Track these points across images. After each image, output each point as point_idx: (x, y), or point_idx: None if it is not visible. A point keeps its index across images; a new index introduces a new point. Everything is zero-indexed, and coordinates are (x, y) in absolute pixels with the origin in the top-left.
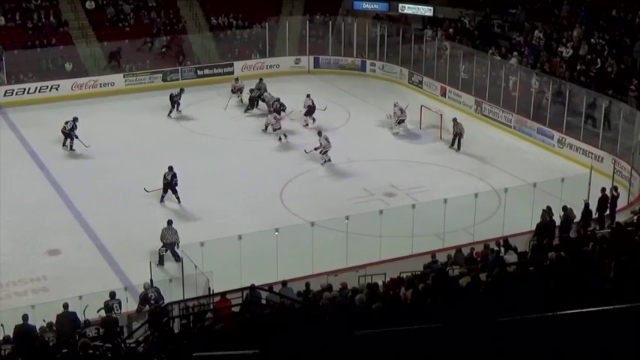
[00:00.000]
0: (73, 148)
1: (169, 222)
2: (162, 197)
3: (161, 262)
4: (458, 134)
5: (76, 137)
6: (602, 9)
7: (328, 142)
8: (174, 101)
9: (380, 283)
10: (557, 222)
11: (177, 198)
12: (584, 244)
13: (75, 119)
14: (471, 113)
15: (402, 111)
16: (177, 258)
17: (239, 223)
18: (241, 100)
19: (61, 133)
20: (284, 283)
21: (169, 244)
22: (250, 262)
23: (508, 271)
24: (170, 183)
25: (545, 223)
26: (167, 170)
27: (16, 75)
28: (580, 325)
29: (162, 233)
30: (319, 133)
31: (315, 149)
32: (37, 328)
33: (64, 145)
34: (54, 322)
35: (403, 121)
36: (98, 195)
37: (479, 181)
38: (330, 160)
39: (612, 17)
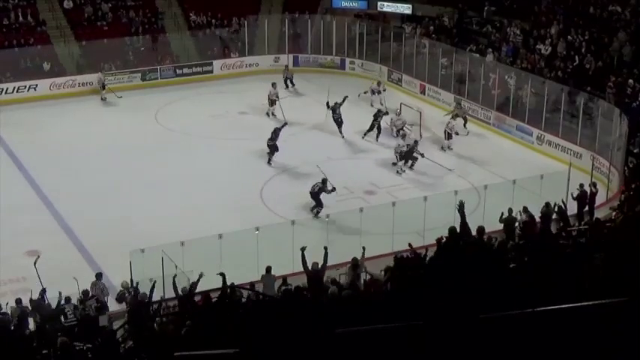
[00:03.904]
0: (274, 113)
1: (98, 275)
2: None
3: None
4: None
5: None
6: (579, 6)
7: None
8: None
9: (361, 281)
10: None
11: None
12: (563, 240)
13: (273, 85)
14: (450, 110)
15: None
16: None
17: (219, 222)
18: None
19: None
20: (268, 269)
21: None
22: (231, 261)
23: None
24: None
25: (512, 220)
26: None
27: None
28: (558, 322)
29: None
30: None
31: None
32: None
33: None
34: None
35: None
36: (77, 195)
37: (458, 179)
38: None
39: (590, 14)
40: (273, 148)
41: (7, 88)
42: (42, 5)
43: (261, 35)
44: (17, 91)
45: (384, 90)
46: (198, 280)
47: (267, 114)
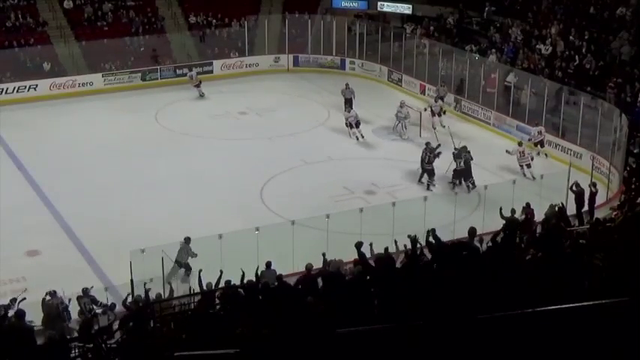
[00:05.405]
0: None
1: (187, 239)
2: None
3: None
4: (441, 97)
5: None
6: (579, 6)
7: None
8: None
9: None
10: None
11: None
12: (563, 240)
13: (347, 109)
14: (450, 110)
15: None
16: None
17: (219, 222)
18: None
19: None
20: (268, 264)
21: (184, 264)
22: (231, 261)
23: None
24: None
25: (514, 220)
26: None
27: None
28: (558, 322)
29: (180, 252)
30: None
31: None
32: None
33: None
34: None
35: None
36: (77, 195)
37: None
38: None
39: (590, 14)
40: (431, 172)
41: (7, 88)
42: (42, 5)
43: (261, 35)
44: (17, 91)
45: (446, 93)
46: (220, 277)
47: (357, 138)
